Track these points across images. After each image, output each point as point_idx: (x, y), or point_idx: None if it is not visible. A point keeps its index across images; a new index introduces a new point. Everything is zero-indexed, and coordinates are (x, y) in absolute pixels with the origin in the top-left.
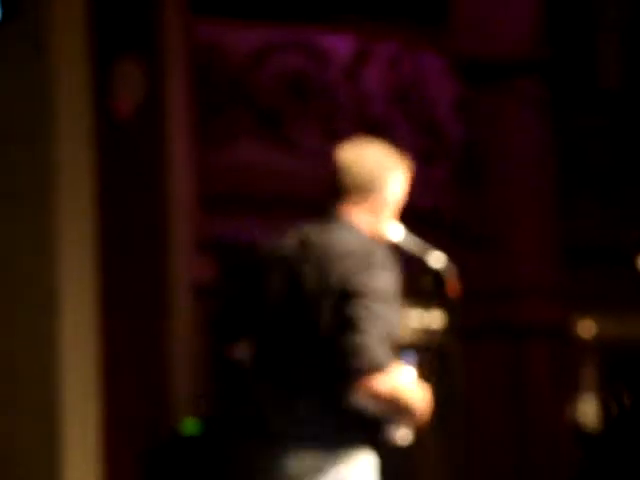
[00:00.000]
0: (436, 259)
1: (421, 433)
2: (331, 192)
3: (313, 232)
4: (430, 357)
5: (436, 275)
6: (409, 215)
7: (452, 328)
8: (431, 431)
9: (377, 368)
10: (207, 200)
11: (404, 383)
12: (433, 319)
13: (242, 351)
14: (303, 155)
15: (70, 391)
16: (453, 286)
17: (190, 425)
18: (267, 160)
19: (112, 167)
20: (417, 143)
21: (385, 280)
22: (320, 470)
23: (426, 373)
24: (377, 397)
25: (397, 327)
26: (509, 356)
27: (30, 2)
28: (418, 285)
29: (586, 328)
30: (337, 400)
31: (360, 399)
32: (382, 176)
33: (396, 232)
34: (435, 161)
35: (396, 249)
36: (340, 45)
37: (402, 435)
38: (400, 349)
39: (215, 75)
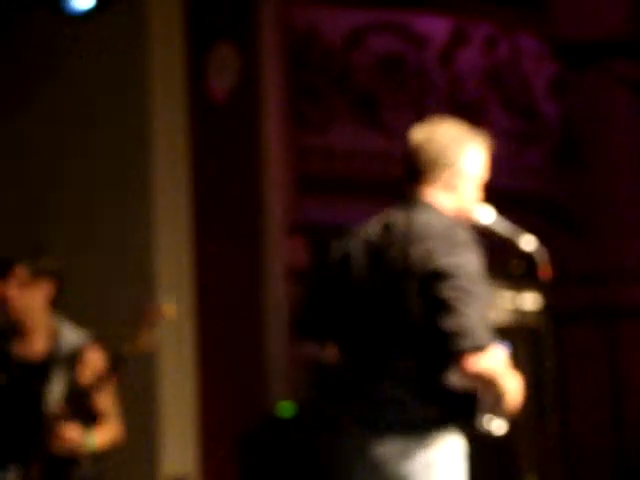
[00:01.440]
0: (527, 242)
1: (515, 421)
2: (407, 174)
3: (396, 216)
4: (523, 339)
5: (528, 258)
6: (506, 198)
7: (545, 310)
8: (525, 413)
9: (479, 348)
10: (302, 183)
11: (501, 365)
12: (526, 301)
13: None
14: (397, 138)
15: (167, 376)
16: (545, 269)
17: (285, 408)
18: (361, 142)
19: (207, 150)
20: (513, 125)
21: (471, 259)
22: (406, 454)
23: (520, 357)
24: (478, 376)
25: (489, 306)
26: (607, 339)
27: None
28: (510, 267)
29: None
30: (427, 384)
31: (460, 379)
32: (454, 150)
33: (486, 214)
34: (532, 143)
35: (487, 231)
36: (436, 27)
37: (496, 424)
38: (495, 335)
39: (310, 58)
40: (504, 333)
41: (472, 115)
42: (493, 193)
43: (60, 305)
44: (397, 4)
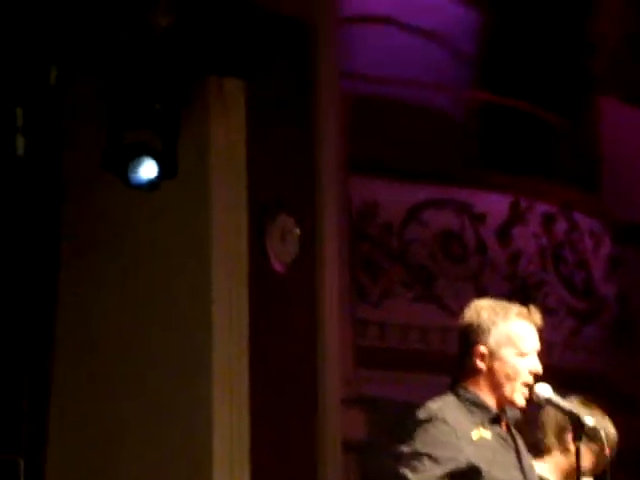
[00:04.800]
0: (588, 418)
1: None
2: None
3: None
4: None
5: (587, 433)
6: (562, 374)
7: None
8: None
9: None
10: (358, 354)
11: None
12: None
13: None
14: (454, 313)
15: None
16: (605, 445)
17: None
18: (418, 317)
19: (265, 319)
20: (570, 303)
21: (413, 443)
22: None
23: None
24: None
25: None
26: None
27: (189, 160)
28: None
29: None
30: None
31: None
32: (479, 328)
33: (544, 390)
34: (589, 321)
35: (545, 407)
36: (494, 203)
37: None
38: None
39: (369, 231)
40: None
41: (530, 292)
42: (549, 369)
43: None
44: (455, 182)
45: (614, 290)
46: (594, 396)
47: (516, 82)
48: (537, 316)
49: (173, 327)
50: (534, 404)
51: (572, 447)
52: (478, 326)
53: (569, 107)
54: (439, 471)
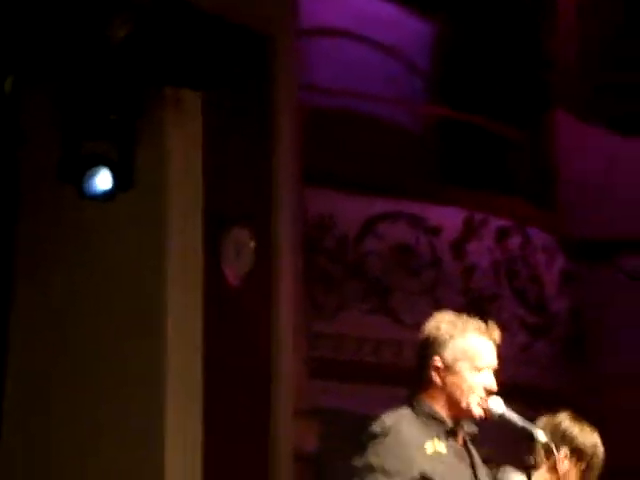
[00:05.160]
0: (540, 434)
1: None
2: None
3: None
4: None
5: (542, 447)
6: (513, 389)
7: None
8: None
9: None
10: (313, 366)
11: None
12: None
13: None
14: (407, 327)
15: None
16: (558, 460)
17: None
18: (372, 330)
19: (219, 331)
20: (523, 317)
21: (366, 456)
22: None
23: None
24: None
25: None
26: None
27: (145, 171)
28: (521, 456)
29: None
30: None
31: None
32: (437, 340)
33: (497, 405)
34: (541, 336)
35: (500, 421)
36: (448, 217)
37: None
38: None
39: (324, 244)
40: None
41: (484, 306)
42: (502, 384)
43: None
44: (410, 195)
45: (567, 305)
46: (548, 411)
47: (474, 97)
48: (495, 332)
49: (127, 339)
50: (488, 419)
51: (560, 465)
52: (435, 339)
53: (525, 123)
54: None
